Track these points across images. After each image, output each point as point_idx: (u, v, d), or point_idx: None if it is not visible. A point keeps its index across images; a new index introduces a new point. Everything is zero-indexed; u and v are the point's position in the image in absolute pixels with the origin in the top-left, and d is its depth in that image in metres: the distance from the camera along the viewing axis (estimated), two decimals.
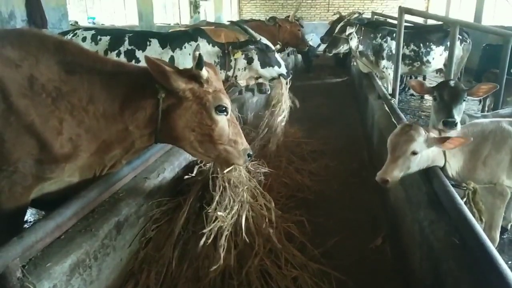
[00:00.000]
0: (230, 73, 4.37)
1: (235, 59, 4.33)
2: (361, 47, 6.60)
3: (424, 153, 2.50)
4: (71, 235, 1.99)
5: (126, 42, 4.05)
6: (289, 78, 4.78)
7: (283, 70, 4.63)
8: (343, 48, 6.59)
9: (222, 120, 2.17)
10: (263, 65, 4.49)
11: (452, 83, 2.91)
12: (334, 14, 15.05)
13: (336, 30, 6.67)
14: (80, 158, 2.00)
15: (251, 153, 2.38)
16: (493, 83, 2.93)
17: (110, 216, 2.20)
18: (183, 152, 3.17)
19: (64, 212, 1.94)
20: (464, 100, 2.78)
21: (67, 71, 1.93)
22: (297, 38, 7.68)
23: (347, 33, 6.39)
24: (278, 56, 4.64)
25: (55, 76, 1.89)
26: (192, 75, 2.09)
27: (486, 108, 6.33)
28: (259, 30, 6.15)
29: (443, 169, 2.63)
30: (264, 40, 4.50)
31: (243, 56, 4.37)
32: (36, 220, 2.60)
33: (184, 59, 4.14)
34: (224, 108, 2.16)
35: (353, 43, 6.46)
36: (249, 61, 4.44)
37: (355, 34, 6.40)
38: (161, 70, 1.97)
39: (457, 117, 2.70)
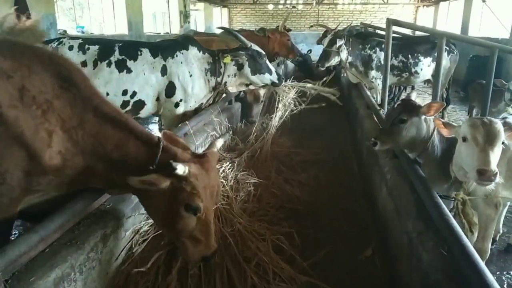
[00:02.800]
0: (219, 79, 4.37)
1: (225, 65, 4.34)
2: (350, 58, 6.66)
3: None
4: (56, 249, 1.95)
5: (117, 52, 4.01)
6: (282, 84, 4.86)
7: (274, 77, 4.65)
8: (334, 61, 6.62)
9: (188, 218, 2.07)
10: (253, 72, 4.52)
11: (398, 103, 2.89)
12: (311, 27, 15.19)
13: (326, 44, 6.70)
14: (66, 174, 1.97)
15: (209, 257, 2.22)
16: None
17: (96, 229, 2.17)
18: None
19: (48, 225, 1.91)
20: (403, 122, 2.74)
21: (62, 86, 1.92)
22: (287, 48, 7.73)
23: (337, 45, 6.43)
24: (269, 63, 4.65)
25: (48, 89, 1.88)
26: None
27: None
28: (249, 40, 6.18)
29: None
30: (255, 47, 4.52)
31: (233, 62, 4.37)
32: (20, 233, 2.55)
33: (177, 67, 4.14)
34: (193, 208, 2.04)
35: (343, 55, 6.52)
36: (239, 67, 4.46)
37: (344, 46, 6.46)
38: (151, 182, 1.93)
39: (382, 138, 2.79)
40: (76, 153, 1.96)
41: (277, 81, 4.72)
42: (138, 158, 2.04)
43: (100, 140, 1.99)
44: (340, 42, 6.39)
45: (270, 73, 4.62)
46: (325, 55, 6.54)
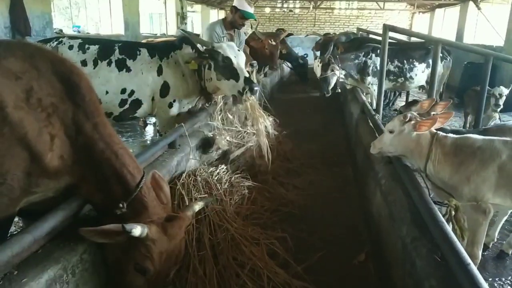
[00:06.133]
0: (202, 84, 4.28)
1: (204, 69, 4.13)
2: (343, 72, 6.73)
3: (399, 136, 2.82)
4: (49, 250, 1.93)
5: (117, 51, 4.05)
6: (252, 95, 4.01)
7: (240, 85, 3.87)
8: (333, 82, 6.70)
9: (136, 276, 2.00)
10: (218, 77, 3.99)
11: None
12: (308, 35, 15.37)
13: (319, 72, 6.71)
14: (63, 180, 1.97)
15: None
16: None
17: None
18: (166, 165, 3.15)
19: (42, 225, 1.89)
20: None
21: (68, 93, 1.92)
22: (264, 56, 7.50)
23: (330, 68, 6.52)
24: (239, 66, 3.94)
25: (55, 92, 1.88)
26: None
27: (468, 125, 6.48)
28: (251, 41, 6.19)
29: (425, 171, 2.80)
30: (221, 48, 3.98)
31: (207, 66, 4.07)
32: (13, 233, 2.53)
33: (171, 67, 4.17)
34: (142, 270, 1.97)
35: (338, 73, 6.60)
36: (212, 72, 4.05)
37: (336, 67, 6.52)
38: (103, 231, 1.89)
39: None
40: (75, 161, 1.95)
41: (241, 90, 3.87)
42: (114, 191, 2.01)
43: (91, 157, 1.98)
44: (331, 65, 6.48)
45: (237, 79, 3.87)
46: (326, 82, 6.60)
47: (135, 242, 1.93)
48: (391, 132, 2.88)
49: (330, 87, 6.65)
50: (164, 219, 2.08)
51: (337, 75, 6.57)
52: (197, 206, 2.33)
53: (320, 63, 6.66)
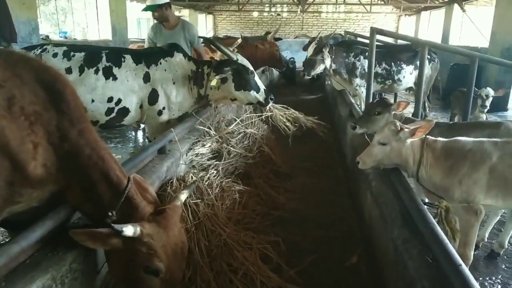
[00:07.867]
0: (202, 92, 4.25)
1: (208, 77, 4.16)
2: (334, 66, 6.71)
3: (395, 146, 2.76)
4: (37, 260, 1.90)
5: (104, 59, 3.98)
6: (269, 105, 4.47)
7: (261, 96, 4.29)
8: (319, 69, 6.67)
9: (151, 280, 1.96)
10: (237, 88, 4.19)
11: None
12: (296, 37, 15.40)
13: (310, 53, 6.75)
14: (48, 188, 1.94)
15: None
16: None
17: None
18: (156, 171, 3.12)
19: (30, 235, 1.86)
20: (378, 114, 3.68)
21: (52, 100, 1.89)
22: (275, 59, 7.65)
23: (321, 54, 6.50)
24: (258, 80, 4.32)
25: (38, 100, 1.85)
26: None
27: None
28: (238, 48, 6.15)
29: (417, 176, 2.80)
30: (243, 60, 4.25)
31: (218, 75, 4.12)
32: (0, 243, 2.49)
33: (160, 75, 4.11)
34: (153, 270, 1.94)
35: (327, 62, 6.57)
36: (223, 80, 4.17)
37: (328, 54, 6.52)
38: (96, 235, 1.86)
39: (360, 124, 3.84)
40: (60, 169, 1.92)
41: (263, 101, 4.33)
42: (103, 196, 1.99)
43: (76, 164, 1.95)
44: (324, 50, 6.45)
45: (257, 91, 4.26)
46: (311, 64, 6.59)
47: (134, 246, 1.90)
48: (383, 144, 2.79)
49: (313, 72, 6.65)
50: (153, 214, 2.07)
51: (324, 64, 6.55)
52: (183, 196, 2.32)
53: (316, 44, 6.68)
